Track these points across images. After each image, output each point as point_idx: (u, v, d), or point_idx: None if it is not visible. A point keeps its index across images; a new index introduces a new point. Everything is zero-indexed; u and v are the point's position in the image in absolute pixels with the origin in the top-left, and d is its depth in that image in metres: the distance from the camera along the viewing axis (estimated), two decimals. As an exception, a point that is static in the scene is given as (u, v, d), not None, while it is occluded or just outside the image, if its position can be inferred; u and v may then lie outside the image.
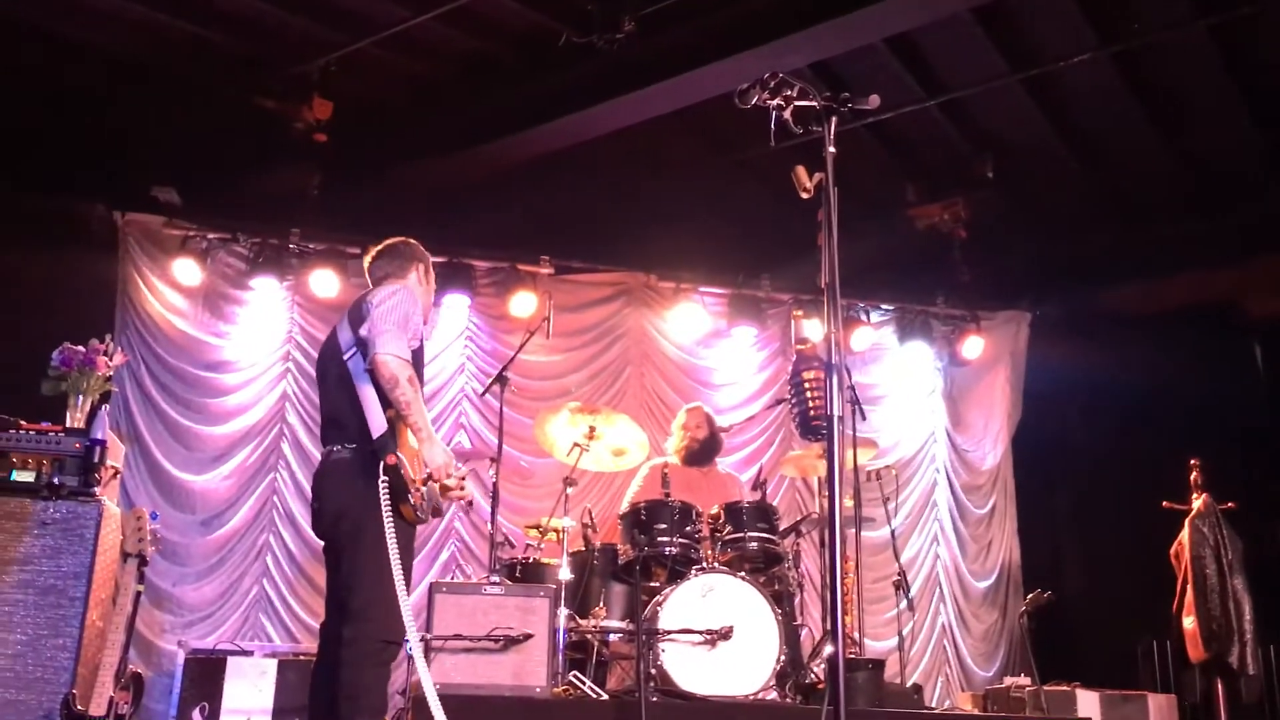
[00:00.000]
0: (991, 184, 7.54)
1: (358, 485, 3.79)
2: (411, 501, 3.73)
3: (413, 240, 4.46)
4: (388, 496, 3.64)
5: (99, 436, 5.41)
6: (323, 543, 4.06)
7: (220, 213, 7.51)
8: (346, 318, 4.11)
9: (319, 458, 7.33)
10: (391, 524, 3.61)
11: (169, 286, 7.45)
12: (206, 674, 5.37)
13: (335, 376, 4.00)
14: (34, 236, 6.45)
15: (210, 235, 7.49)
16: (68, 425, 5.52)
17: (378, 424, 3.78)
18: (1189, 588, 6.45)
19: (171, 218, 7.44)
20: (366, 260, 4.42)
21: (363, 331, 3.88)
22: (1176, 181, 7.64)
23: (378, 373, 3.80)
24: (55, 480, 5.24)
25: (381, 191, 7.31)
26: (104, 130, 6.75)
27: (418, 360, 4.02)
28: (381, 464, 3.69)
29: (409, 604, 3.66)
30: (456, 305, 7.95)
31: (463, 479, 3.96)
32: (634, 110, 6.88)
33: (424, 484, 3.79)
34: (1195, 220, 7.85)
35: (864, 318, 8.56)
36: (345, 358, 3.95)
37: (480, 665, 4.73)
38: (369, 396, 3.83)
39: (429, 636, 4.71)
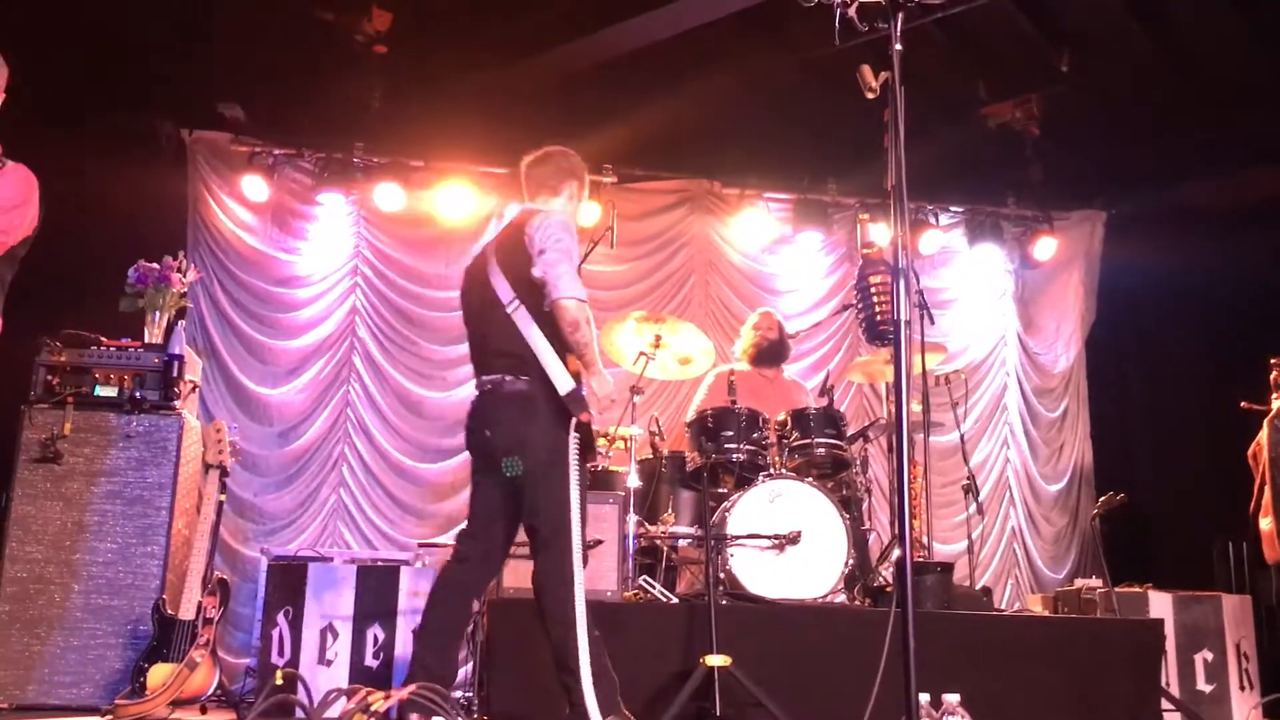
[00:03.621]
0: (1067, 79, 7.29)
1: (542, 423, 3.83)
2: (597, 451, 3.92)
3: (572, 152, 4.38)
4: (577, 453, 3.75)
5: (177, 351, 5.54)
6: (471, 456, 4.13)
7: (285, 128, 7.56)
8: (496, 261, 4.03)
9: (391, 371, 7.60)
10: (577, 474, 3.75)
11: (238, 203, 7.56)
12: (289, 580, 5.53)
13: (499, 322, 3.95)
14: (105, 155, 6.53)
15: (276, 151, 7.55)
16: (146, 341, 5.67)
17: (564, 381, 3.80)
18: (1267, 489, 6.34)
19: (238, 134, 7.52)
20: (524, 165, 4.37)
21: (536, 273, 3.86)
22: (1260, 74, 7.32)
23: (560, 317, 3.82)
24: (137, 394, 5.41)
25: (443, 103, 7.27)
26: (168, 48, 6.77)
27: None
28: (574, 420, 3.79)
29: (578, 544, 3.78)
30: (521, 216, 7.96)
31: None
32: (697, 12, 6.74)
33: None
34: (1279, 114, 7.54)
35: (933, 220, 8.41)
36: (508, 310, 3.91)
37: (552, 570, 4.82)
38: (544, 347, 3.84)
39: (501, 543, 4.79)
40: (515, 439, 3.85)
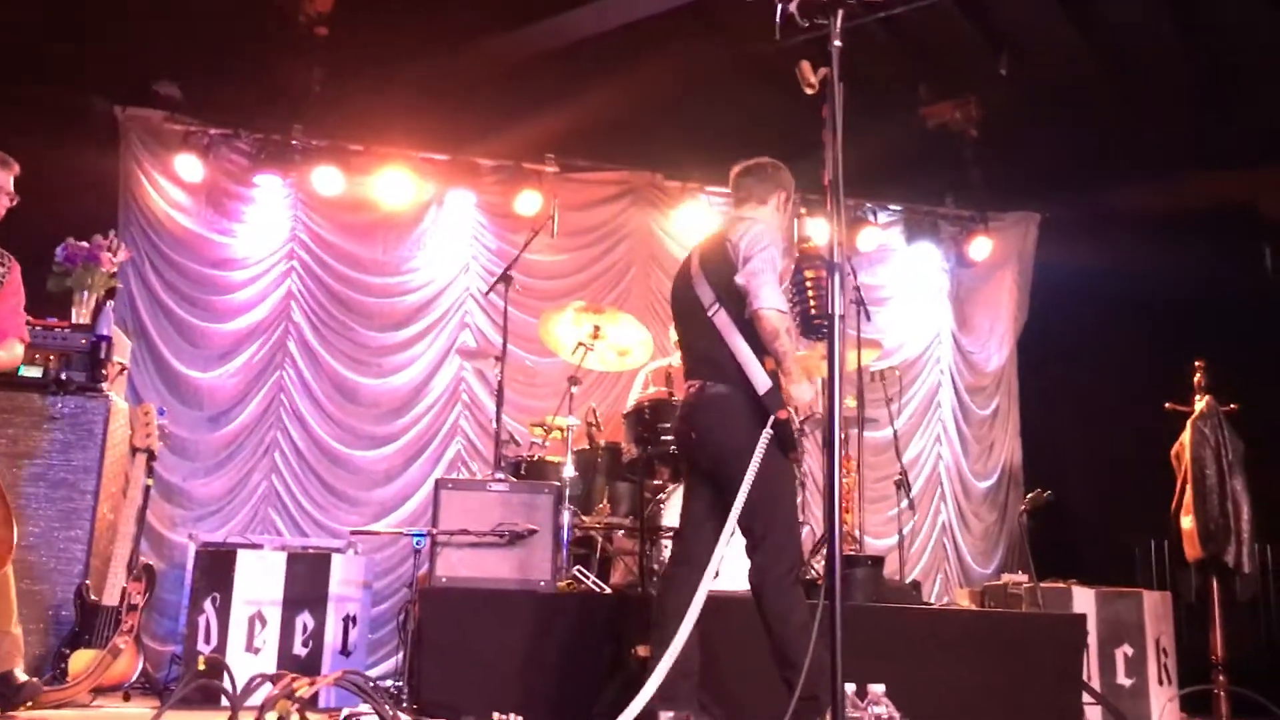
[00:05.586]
0: (1006, 82, 7.39)
1: (743, 425, 3.89)
2: (798, 447, 4.01)
3: (782, 165, 4.45)
4: (765, 445, 3.76)
5: (105, 332, 5.44)
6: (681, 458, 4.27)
7: (222, 108, 7.43)
8: (701, 266, 4.17)
9: (326, 356, 7.51)
10: (758, 464, 3.72)
11: (171, 183, 7.42)
12: (217, 566, 5.45)
13: (701, 325, 4.10)
14: (34, 131, 6.37)
15: (212, 131, 7.42)
16: (74, 321, 5.55)
17: (761, 380, 3.90)
18: (1188, 488, 6.48)
19: (173, 113, 7.37)
20: (732, 176, 4.43)
21: (739, 280, 3.94)
22: (1196, 82, 7.48)
23: (760, 326, 3.89)
24: (63, 375, 5.31)
25: (384, 87, 7.20)
26: (103, 23, 6.63)
27: None
28: (772, 418, 3.82)
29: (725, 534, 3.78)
30: (462, 203, 7.92)
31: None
32: (641, 4, 6.74)
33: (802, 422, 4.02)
34: (1212, 121, 7.70)
35: (871, 218, 8.49)
36: (709, 314, 4.06)
37: (486, 560, 4.80)
38: (744, 350, 3.95)
39: (435, 531, 4.77)
40: (721, 444, 3.98)
